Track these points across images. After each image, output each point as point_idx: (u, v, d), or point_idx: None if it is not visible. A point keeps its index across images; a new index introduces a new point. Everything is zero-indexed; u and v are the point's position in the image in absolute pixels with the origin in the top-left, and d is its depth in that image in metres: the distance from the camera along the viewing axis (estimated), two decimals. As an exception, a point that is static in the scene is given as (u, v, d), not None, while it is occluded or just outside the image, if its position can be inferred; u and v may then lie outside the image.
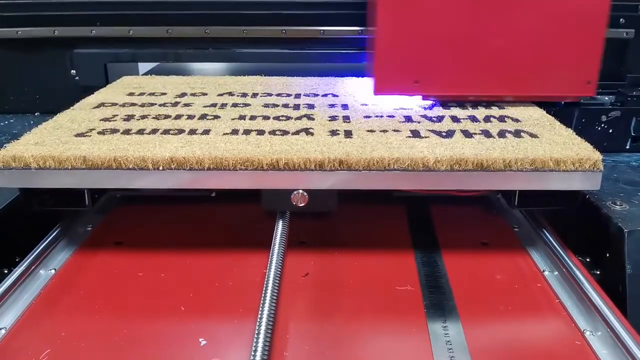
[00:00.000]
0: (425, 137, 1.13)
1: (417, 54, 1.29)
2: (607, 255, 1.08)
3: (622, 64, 1.65)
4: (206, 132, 1.15)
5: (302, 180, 1.04)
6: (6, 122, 1.66)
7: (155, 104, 1.36)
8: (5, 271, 1.09)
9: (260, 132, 1.15)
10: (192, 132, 1.15)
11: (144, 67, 1.82)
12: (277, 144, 1.08)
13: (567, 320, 0.92)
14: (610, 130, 1.40)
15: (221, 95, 1.45)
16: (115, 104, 1.36)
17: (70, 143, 1.08)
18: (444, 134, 1.15)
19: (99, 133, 1.14)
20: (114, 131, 1.15)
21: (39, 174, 1.03)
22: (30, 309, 0.94)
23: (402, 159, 1.02)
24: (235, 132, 1.15)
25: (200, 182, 1.03)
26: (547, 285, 1.01)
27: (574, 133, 1.16)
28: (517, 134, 1.15)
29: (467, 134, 1.15)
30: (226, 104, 1.37)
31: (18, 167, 1.03)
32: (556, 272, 1.04)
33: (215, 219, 1.24)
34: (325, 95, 1.45)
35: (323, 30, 1.63)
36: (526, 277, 1.04)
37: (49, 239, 1.10)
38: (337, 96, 1.44)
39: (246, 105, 1.36)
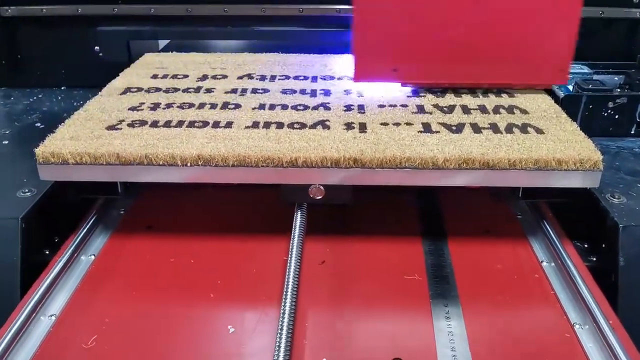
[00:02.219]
0: (436, 131, 1.19)
1: (394, 43, 1.34)
2: (603, 245, 1.16)
3: (634, 44, 1.68)
4: (229, 124, 1.22)
5: (319, 176, 1.11)
6: (35, 98, 1.73)
7: (179, 89, 1.43)
8: (47, 252, 1.20)
9: (280, 125, 1.22)
10: (216, 124, 1.22)
11: (164, 41, 1.87)
12: (296, 139, 1.15)
13: (559, 313, 1.01)
14: (617, 116, 1.44)
15: (241, 78, 1.51)
16: (141, 89, 1.42)
17: (103, 137, 1.16)
18: (454, 128, 1.21)
19: (128, 125, 1.22)
20: (142, 123, 1.23)
21: (75, 168, 1.12)
22: (75, 295, 1.05)
23: (413, 157, 1.09)
24: (256, 124, 1.22)
25: (224, 177, 1.12)
26: (544, 277, 1.10)
27: (578, 128, 1.21)
28: (523, 129, 1.20)
29: (476, 128, 1.21)
30: (246, 89, 1.43)
31: (56, 162, 1.12)
32: (553, 264, 1.13)
33: (238, 204, 1.32)
34: (341, 78, 1.50)
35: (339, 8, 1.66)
36: (525, 268, 1.12)
37: (88, 225, 1.20)
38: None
39: (265, 91, 1.42)
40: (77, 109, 1.64)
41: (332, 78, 1.51)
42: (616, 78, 1.61)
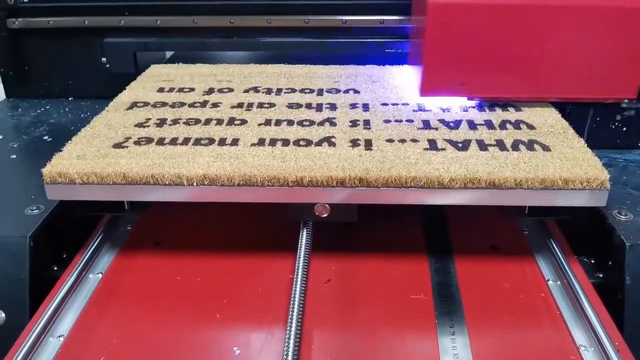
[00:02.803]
0: (442, 149, 1.19)
1: (462, 58, 1.34)
2: (610, 263, 1.16)
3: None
4: (235, 142, 1.22)
5: (325, 195, 1.12)
6: (42, 110, 1.74)
7: (185, 103, 1.43)
8: (55, 268, 1.22)
9: (285, 142, 1.22)
10: (222, 142, 1.22)
11: (170, 52, 1.87)
12: (302, 157, 1.15)
13: (565, 334, 1.01)
14: (625, 129, 1.43)
15: (247, 91, 1.51)
16: (147, 104, 1.43)
17: (110, 156, 1.17)
18: (459, 145, 1.20)
19: (135, 143, 1.22)
20: (149, 141, 1.23)
21: (82, 188, 1.12)
22: (82, 315, 1.06)
23: (418, 177, 1.09)
24: (262, 142, 1.22)
25: (230, 196, 1.12)
26: (550, 296, 1.10)
27: (585, 145, 1.21)
28: (530, 145, 1.20)
29: (482, 145, 1.20)
30: (252, 103, 1.43)
31: (64, 182, 1.12)
32: (559, 282, 1.12)
33: (244, 219, 1.33)
34: (347, 91, 1.50)
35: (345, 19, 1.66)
36: (531, 287, 1.12)
37: (95, 243, 1.21)
38: (359, 92, 1.49)
39: (271, 105, 1.42)
40: (84, 120, 1.67)
41: (338, 91, 1.51)
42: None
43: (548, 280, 1.14)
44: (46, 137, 1.55)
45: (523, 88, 1.37)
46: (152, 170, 1.11)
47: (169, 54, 1.88)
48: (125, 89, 1.56)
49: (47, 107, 1.76)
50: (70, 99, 1.82)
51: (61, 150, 1.20)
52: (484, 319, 1.05)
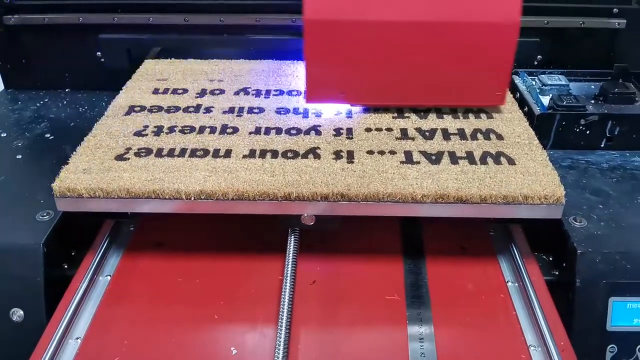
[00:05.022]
0: (417, 162, 1.31)
1: (339, 70, 1.47)
2: (564, 264, 1.30)
3: (611, 53, 1.76)
4: (228, 153, 1.33)
5: (311, 207, 1.24)
6: (41, 103, 1.82)
7: (180, 107, 1.53)
8: (66, 266, 1.34)
9: (274, 154, 1.33)
10: (216, 153, 1.33)
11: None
12: (289, 172, 1.27)
13: (518, 334, 1.16)
14: (588, 132, 1.55)
15: (237, 93, 1.60)
16: (144, 108, 1.52)
17: (113, 170, 1.27)
18: (433, 157, 1.32)
19: (135, 154, 1.33)
20: (148, 152, 1.34)
21: (89, 201, 1.24)
22: (95, 317, 1.20)
23: (394, 193, 1.21)
24: (252, 153, 1.33)
25: (225, 209, 1.24)
26: (508, 297, 1.24)
27: (547, 157, 1.33)
28: (497, 158, 1.32)
29: (453, 158, 1.32)
30: (243, 107, 1.53)
31: (72, 196, 1.23)
32: (517, 284, 1.27)
33: (238, 222, 1.42)
34: (332, 94, 1.60)
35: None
36: (492, 288, 1.27)
37: (103, 247, 1.33)
38: (343, 95, 1.59)
39: (260, 110, 1.52)
40: (83, 115, 1.77)
41: (323, 94, 1.61)
42: (592, 86, 1.71)
43: (508, 281, 1.28)
44: (48, 135, 1.64)
45: (396, 96, 1.51)
46: (153, 186, 1.22)
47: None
48: (120, 83, 1.65)
49: (46, 100, 1.84)
50: (67, 90, 1.89)
51: (67, 163, 1.31)
52: (449, 320, 1.19)
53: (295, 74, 1.71)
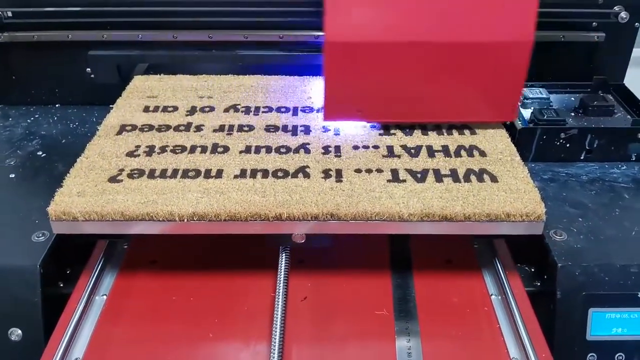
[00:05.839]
0: (403, 180, 1.35)
1: (359, 89, 1.51)
2: (545, 276, 1.36)
3: (591, 65, 1.82)
4: (219, 174, 1.36)
5: (301, 227, 1.28)
6: (32, 119, 1.84)
7: (170, 126, 1.55)
8: (61, 284, 1.37)
9: (265, 174, 1.36)
10: (208, 173, 1.36)
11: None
12: (280, 191, 1.30)
13: (502, 347, 1.21)
14: (568, 145, 1.60)
15: (227, 110, 1.63)
16: (135, 127, 1.55)
17: (107, 193, 1.30)
18: (418, 175, 1.37)
19: (128, 176, 1.35)
20: (141, 173, 1.36)
21: (84, 224, 1.26)
22: (93, 337, 1.23)
23: (381, 212, 1.26)
24: (243, 173, 1.37)
25: (218, 229, 1.27)
26: (492, 310, 1.29)
27: (528, 174, 1.38)
28: (480, 176, 1.37)
29: (438, 176, 1.37)
30: (233, 125, 1.56)
31: (67, 219, 1.26)
32: (500, 297, 1.32)
33: (229, 238, 1.47)
34: (319, 110, 1.63)
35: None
36: (477, 301, 1.31)
37: (99, 267, 1.36)
38: (331, 112, 1.63)
39: (250, 128, 1.55)
40: (74, 131, 1.79)
41: (311, 110, 1.64)
42: (572, 98, 1.77)
43: (492, 295, 1.33)
44: (40, 153, 1.66)
45: (412, 113, 1.56)
46: (146, 209, 1.25)
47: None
48: (110, 99, 1.68)
49: (36, 116, 1.86)
50: (57, 105, 1.91)
51: (61, 183, 1.33)
52: (435, 333, 1.24)
53: (284, 90, 1.75)
